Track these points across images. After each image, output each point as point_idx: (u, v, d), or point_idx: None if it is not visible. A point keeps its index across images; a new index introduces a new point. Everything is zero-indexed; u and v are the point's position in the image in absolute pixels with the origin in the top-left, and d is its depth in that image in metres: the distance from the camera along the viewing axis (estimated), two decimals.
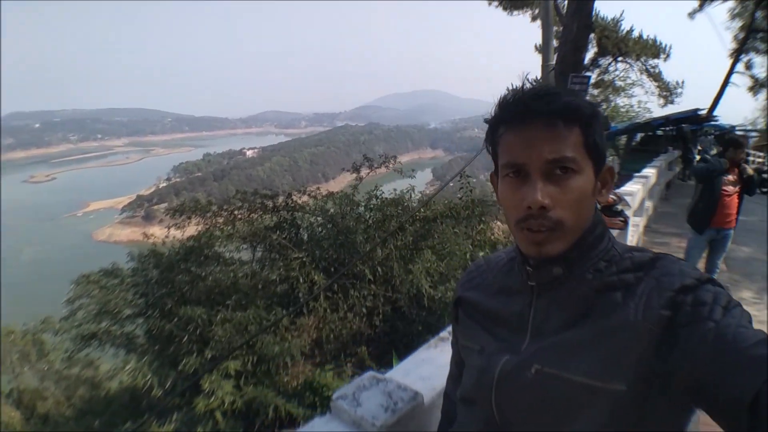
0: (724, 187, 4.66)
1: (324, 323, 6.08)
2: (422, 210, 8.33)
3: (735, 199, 4.75)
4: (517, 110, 0.82)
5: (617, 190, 3.13)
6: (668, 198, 12.78)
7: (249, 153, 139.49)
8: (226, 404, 4.61)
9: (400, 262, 7.13)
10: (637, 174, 7.33)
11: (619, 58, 22.64)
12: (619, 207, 2.92)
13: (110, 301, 6.64)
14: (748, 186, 4.81)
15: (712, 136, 21.18)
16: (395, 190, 9.42)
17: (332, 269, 6.89)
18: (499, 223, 9.98)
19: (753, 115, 48.70)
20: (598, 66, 22.76)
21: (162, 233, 8.79)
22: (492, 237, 8.58)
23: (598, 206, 0.92)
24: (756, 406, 0.56)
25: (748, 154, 5.08)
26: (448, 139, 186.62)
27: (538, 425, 0.81)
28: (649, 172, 8.49)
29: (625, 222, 2.98)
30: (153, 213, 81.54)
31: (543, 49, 4.01)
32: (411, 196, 9.25)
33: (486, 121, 0.90)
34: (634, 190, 5.54)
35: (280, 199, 8.04)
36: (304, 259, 6.51)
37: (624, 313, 0.74)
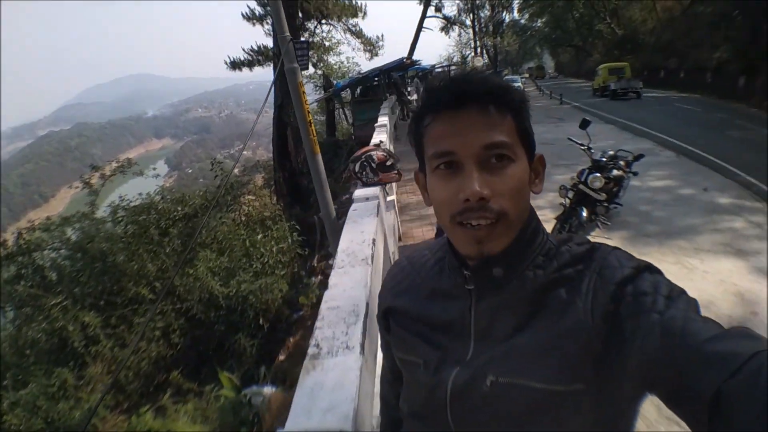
0: None
1: (116, 364, 5.30)
2: (179, 209, 7.79)
3: None
4: (446, 96, 0.75)
5: (378, 145, 3.47)
6: (398, 138, 14.49)
7: None
8: None
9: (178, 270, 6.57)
10: (377, 125, 8.07)
11: (323, 21, 24.08)
12: (390, 162, 3.24)
13: None
14: None
15: (417, 78, 24.56)
16: (140, 194, 8.64)
17: (102, 303, 5.97)
18: (250, 197, 9.94)
19: (447, 52, 58.43)
20: (306, 30, 23.81)
21: None
22: (257, 215, 8.51)
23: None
24: (717, 404, 0.54)
25: None
26: (172, 125, 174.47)
27: None
28: (384, 119, 9.48)
29: (400, 174, 3.33)
30: None
31: (275, 21, 3.97)
32: (163, 197, 8.58)
33: (412, 112, 0.80)
34: (384, 139, 6.15)
35: (10, 243, 6.52)
36: (65, 303, 5.50)
37: (573, 312, 0.72)
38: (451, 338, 0.83)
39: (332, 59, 27.97)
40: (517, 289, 0.78)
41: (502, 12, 55.00)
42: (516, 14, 57.90)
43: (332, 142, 17.79)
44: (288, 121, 9.80)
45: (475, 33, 50.99)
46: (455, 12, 48.97)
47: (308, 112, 4.05)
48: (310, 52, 25.17)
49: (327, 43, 26.30)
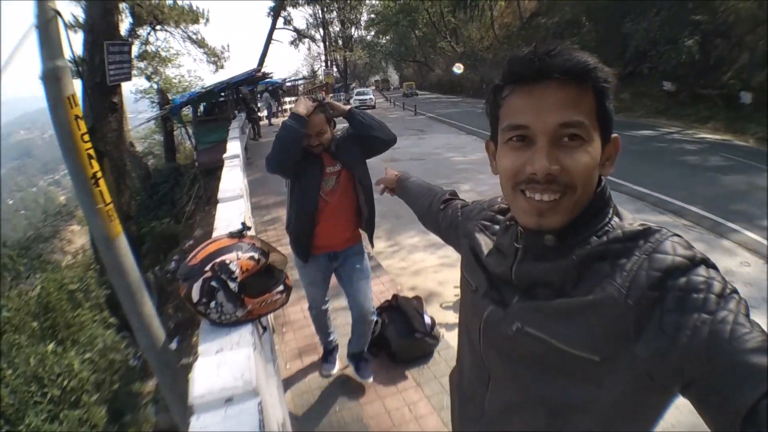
0: (322, 193, 2.68)
1: None
2: None
3: (346, 204, 2.78)
4: (528, 69, 0.75)
5: (240, 234, 1.64)
6: (251, 162, 12.38)
7: None
8: None
9: None
10: (226, 155, 6.25)
11: (158, 27, 21.07)
12: (262, 261, 1.58)
13: None
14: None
15: (268, 93, 22.60)
16: None
17: None
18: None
19: (296, 66, 58.69)
20: (137, 37, 20.66)
21: None
22: (58, 291, 5.86)
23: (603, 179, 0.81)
24: (751, 420, 0.55)
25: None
26: None
27: (517, 378, 0.86)
28: (235, 146, 7.58)
29: (289, 289, 1.69)
30: None
31: None
32: None
33: (495, 80, 0.83)
34: (238, 180, 4.39)
35: None
36: None
37: (608, 286, 0.71)
38: (503, 283, 0.90)
39: (171, 72, 24.75)
40: (563, 258, 0.78)
41: (351, 28, 55.93)
42: (363, 31, 59.20)
43: (172, 169, 15.08)
44: (105, 150, 7.44)
45: (326, 47, 51.30)
46: (305, 27, 49.28)
47: (90, 155, 1.93)
48: (142, 63, 22.17)
49: (164, 54, 23.17)
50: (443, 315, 4.08)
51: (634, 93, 20.27)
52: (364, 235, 2.92)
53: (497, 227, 1.00)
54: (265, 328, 1.78)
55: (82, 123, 1.94)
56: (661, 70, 18.52)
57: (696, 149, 11.59)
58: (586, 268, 0.76)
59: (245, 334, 1.44)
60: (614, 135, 0.81)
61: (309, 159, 2.62)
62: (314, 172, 2.62)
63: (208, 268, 1.44)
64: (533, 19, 32.27)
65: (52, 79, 1.87)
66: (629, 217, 0.81)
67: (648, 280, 0.68)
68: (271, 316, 3.32)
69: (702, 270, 0.68)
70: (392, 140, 2.73)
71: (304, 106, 2.52)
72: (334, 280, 2.99)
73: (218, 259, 1.46)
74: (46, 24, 1.87)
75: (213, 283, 1.42)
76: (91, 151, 1.97)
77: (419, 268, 5.21)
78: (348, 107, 2.68)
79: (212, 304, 1.42)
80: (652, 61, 18.88)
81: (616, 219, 0.80)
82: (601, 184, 0.81)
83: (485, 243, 0.99)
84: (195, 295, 1.42)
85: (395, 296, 3.75)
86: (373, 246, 3.04)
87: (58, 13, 1.91)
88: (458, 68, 38.56)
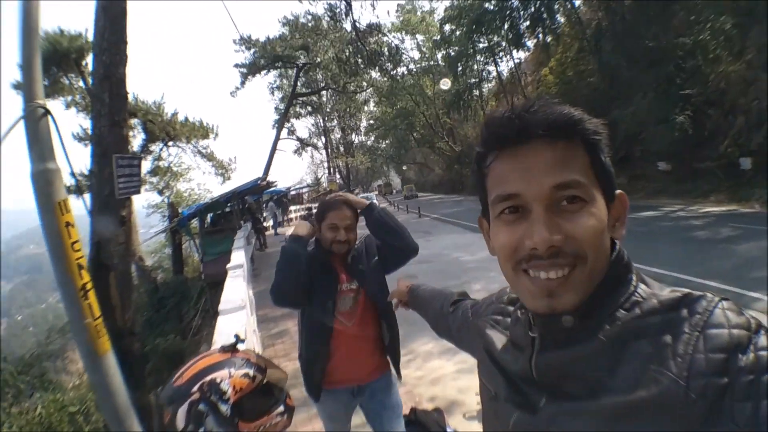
0: (339, 314, 2.28)
1: None
2: None
3: (368, 329, 2.37)
4: (508, 130, 0.68)
5: (233, 348, 1.42)
6: (258, 273, 12.21)
7: None
8: None
9: None
10: (229, 266, 6.23)
11: (170, 143, 22.18)
12: (258, 380, 1.40)
13: None
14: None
15: (272, 202, 23.15)
16: None
17: None
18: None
19: (299, 175, 61.56)
20: (150, 152, 21.71)
21: None
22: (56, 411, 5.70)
23: (617, 243, 0.72)
24: None
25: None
26: (3, 264, 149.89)
27: None
28: (240, 257, 7.59)
29: (291, 410, 1.51)
30: None
31: (25, 86, 1.86)
32: None
33: (476, 148, 0.76)
34: (241, 291, 4.28)
35: None
36: None
37: (664, 378, 0.58)
38: (525, 382, 0.77)
39: (182, 186, 25.71)
40: (590, 341, 0.67)
41: (352, 134, 59.11)
42: (363, 137, 62.36)
43: (180, 282, 15.03)
44: (111, 263, 7.38)
45: (328, 154, 54.06)
46: (308, 135, 52.58)
47: (81, 265, 1.76)
48: (155, 178, 22.97)
49: (176, 168, 24.17)
50: (467, 426, 3.74)
51: (630, 176, 20.50)
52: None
53: (509, 320, 0.89)
54: None
55: (73, 230, 1.86)
56: (653, 151, 18.74)
57: (703, 224, 11.52)
58: (621, 351, 0.64)
59: None
60: (619, 192, 0.73)
61: (321, 274, 2.27)
62: (327, 288, 2.26)
63: (195, 388, 1.27)
64: None
65: (42, 182, 1.81)
66: (656, 284, 0.70)
67: (708, 364, 0.57)
68: None
69: (763, 340, 0.58)
70: (413, 250, 2.41)
71: (304, 227, 2.31)
72: None
73: (207, 378, 1.30)
74: (35, 123, 1.83)
75: (201, 407, 1.25)
76: (82, 261, 1.88)
77: (437, 376, 4.91)
78: (367, 201, 2.42)
79: (200, 431, 1.24)
80: (644, 143, 19.21)
81: (642, 287, 0.69)
82: (615, 249, 0.72)
83: (498, 339, 0.88)
84: (180, 422, 1.25)
85: (413, 410, 3.36)
86: (400, 377, 2.55)
87: (48, 112, 1.86)
88: (445, 84, 39.85)
